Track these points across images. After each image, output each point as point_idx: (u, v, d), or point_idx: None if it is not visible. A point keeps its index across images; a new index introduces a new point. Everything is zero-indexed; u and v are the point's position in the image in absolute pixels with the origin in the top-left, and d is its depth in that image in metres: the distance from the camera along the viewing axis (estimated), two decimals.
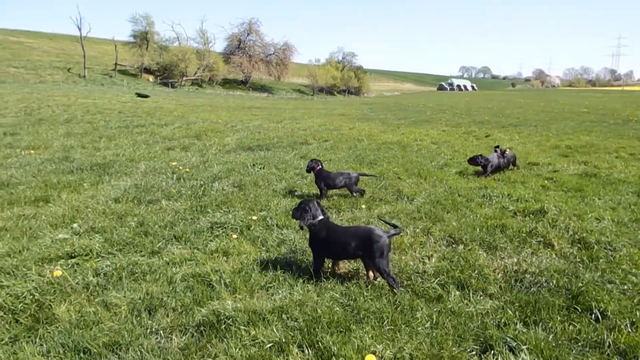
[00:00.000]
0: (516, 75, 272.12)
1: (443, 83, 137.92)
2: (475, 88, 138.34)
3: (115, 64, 57.19)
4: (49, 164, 8.19)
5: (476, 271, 4.05)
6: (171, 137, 12.20)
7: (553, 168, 8.86)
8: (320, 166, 6.47)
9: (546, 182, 7.60)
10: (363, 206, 5.97)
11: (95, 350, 2.86)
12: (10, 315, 3.23)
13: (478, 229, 5.14)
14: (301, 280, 3.86)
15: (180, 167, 8.12)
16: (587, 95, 69.07)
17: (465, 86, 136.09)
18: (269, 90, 69.74)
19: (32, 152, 9.48)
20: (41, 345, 2.93)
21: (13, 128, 12.57)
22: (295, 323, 3.19)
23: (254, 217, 5.43)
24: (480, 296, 3.68)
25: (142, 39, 60.34)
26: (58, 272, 3.76)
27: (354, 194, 6.49)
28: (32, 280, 3.66)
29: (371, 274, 3.93)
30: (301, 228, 4.13)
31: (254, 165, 8.53)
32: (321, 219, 4.05)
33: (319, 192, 6.43)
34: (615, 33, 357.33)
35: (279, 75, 73.17)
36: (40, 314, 3.25)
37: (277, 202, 6.15)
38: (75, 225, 4.96)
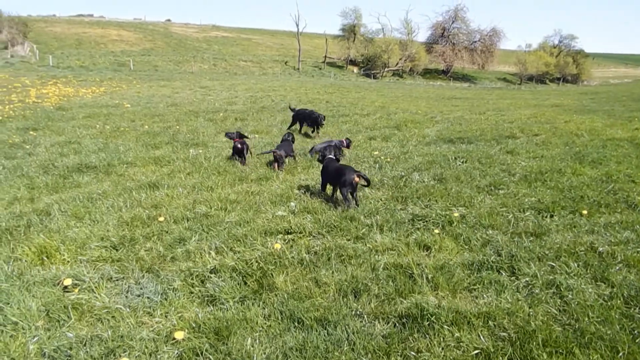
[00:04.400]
0: None
1: None
2: None
3: (325, 56, 62.06)
4: (269, 147, 9.30)
5: None
6: (373, 126, 12.60)
7: None
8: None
9: None
10: (584, 212, 5.18)
11: (307, 322, 3.13)
12: (240, 278, 3.78)
13: None
14: (510, 287, 3.56)
15: (382, 157, 8.32)
16: None
17: None
18: (470, 80, 66.58)
19: (257, 135, 10.91)
20: (263, 308, 3.35)
21: (242, 114, 14.66)
22: (505, 333, 2.94)
23: (456, 214, 5.22)
24: None
25: (350, 31, 63.88)
26: (278, 245, 4.25)
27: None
28: (258, 250, 4.22)
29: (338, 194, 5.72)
30: (319, 160, 6.48)
31: (455, 158, 8.20)
32: (329, 157, 6.21)
33: None
34: None
35: (483, 63, 69.16)
36: (263, 280, 3.71)
37: (481, 199, 5.79)
38: (292, 204, 5.52)
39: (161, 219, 5.04)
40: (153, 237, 4.57)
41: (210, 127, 12.00)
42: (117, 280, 3.77)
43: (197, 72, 44.11)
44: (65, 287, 3.57)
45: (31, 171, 7.24)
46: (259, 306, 3.35)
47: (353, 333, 2.97)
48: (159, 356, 2.79)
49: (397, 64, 62.79)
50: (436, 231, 4.69)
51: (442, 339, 2.91)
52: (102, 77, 30.90)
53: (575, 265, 3.91)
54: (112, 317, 3.22)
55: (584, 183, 6.38)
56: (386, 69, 61.78)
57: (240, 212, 5.29)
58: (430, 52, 66.63)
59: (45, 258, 4.07)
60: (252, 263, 3.93)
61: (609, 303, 3.31)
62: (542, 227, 4.81)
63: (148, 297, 3.46)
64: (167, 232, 4.71)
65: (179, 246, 4.38)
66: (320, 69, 59.12)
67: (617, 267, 3.86)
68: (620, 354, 2.72)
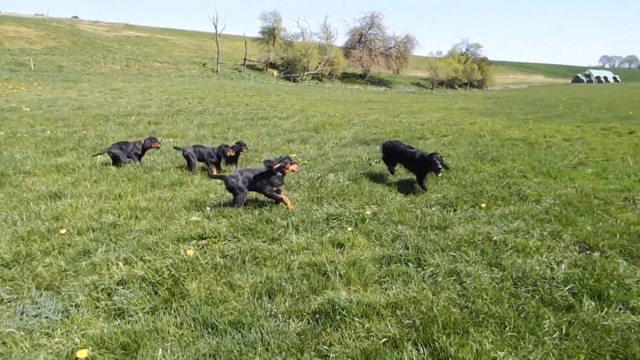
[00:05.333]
0: None
1: (579, 75, 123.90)
2: (619, 80, 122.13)
3: (244, 59, 61.39)
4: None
5: (615, 281, 3.61)
6: (291, 129, 12.72)
7: None
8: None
9: None
10: (483, 205, 5.64)
11: (221, 326, 3.11)
12: (150, 287, 3.65)
13: (618, 236, 4.59)
14: (416, 278, 3.79)
15: (300, 159, 8.43)
16: None
17: (605, 77, 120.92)
18: (386, 84, 69.29)
19: (171, 139, 10.57)
20: (175, 317, 3.27)
21: (156, 118, 14.10)
22: (410, 320, 3.14)
23: (368, 212, 5.45)
24: (620, 309, 3.27)
25: (270, 35, 63.78)
26: (191, 252, 4.16)
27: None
28: (169, 257, 4.10)
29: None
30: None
31: (369, 159, 8.53)
32: (246, 169, 5.75)
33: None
34: None
35: (398, 68, 72.26)
36: (175, 288, 3.62)
37: (392, 197, 6.09)
38: (207, 208, 5.43)
39: (63, 231, 4.71)
40: (53, 252, 4.26)
41: (121, 131, 11.44)
42: (9, 301, 3.45)
43: (107, 74, 41.62)
44: None
45: None
46: (170, 315, 3.26)
47: (267, 333, 3.00)
48: None
49: (316, 67, 63.71)
50: (349, 229, 4.86)
51: (353, 331, 3.04)
52: None
53: (474, 253, 4.26)
54: (3, 342, 2.95)
55: (484, 179, 6.93)
56: (306, 73, 62.45)
57: (152, 220, 5.11)
58: (348, 57, 68.38)
59: None
60: (163, 271, 3.81)
61: (500, 285, 3.65)
62: (446, 220, 5.17)
63: (46, 317, 3.21)
64: (69, 244, 4.42)
65: (83, 259, 4.12)
66: (239, 71, 58.37)
67: (508, 253, 4.26)
68: (507, 328, 3.01)
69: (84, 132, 11.00)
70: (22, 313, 3.27)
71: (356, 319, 3.16)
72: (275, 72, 62.27)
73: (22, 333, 3.06)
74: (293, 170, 5.78)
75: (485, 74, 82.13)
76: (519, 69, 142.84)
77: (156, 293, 3.57)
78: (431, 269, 3.97)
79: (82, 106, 16.30)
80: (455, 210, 5.56)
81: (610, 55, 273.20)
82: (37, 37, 54.00)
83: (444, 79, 74.52)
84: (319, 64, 63.93)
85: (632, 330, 3.00)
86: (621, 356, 2.76)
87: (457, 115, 18.32)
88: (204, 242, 4.51)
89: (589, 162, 8.42)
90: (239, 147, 7.79)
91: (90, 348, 2.87)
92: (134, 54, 56.07)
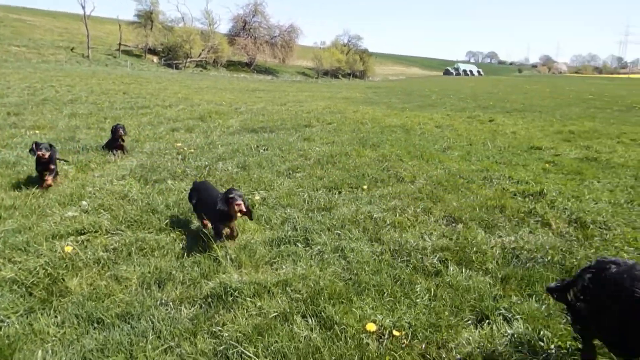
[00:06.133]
0: (523, 61, 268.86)
1: (449, 68, 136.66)
2: (482, 73, 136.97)
3: (120, 44, 56.95)
4: (55, 144, 8.27)
5: (475, 248, 4.17)
6: (175, 118, 12.26)
7: (555, 152, 8.92)
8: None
9: (547, 165, 7.68)
10: (365, 187, 6.07)
11: (108, 320, 3.01)
12: (24, 289, 3.35)
13: (478, 209, 5.25)
14: (304, 256, 4.00)
15: (185, 148, 8.22)
16: (593, 82, 68.60)
17: (471, 71, 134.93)
18: (273, 73, 69.43)
19: (38, 132, 9.56)
20: (55, 316, 3.06)
21: (17, 108, 12.58)
22: (299, 295, 3.33)
23: (257, 197, 5.56)
24: (478, 271, 3.80)
25: (147, 18, 59.71)
26: (69, 248, 3.90)
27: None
28: (44, 256, 3.79)
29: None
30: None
31: (257, 147, 8.61)
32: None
33: None
34: (623, 21, 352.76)
35: (283, 57, 72.80)
36: (53, 287, 3.38)
37: (281, 182, 6.26)
38: (84, 202, 5.09)
39: None
40: None
41: None
42: None
43: None
44: None
45: None
46: (49, 315, 3.04)
47: (159, 321, 2.97)
48: None
49: (199, 54, 61.50)
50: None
51: (245, 310, 3.14)
52: None
53: (357, 231, 4.59)
54: None
55: (366, 163, 7.42)
56: (189, 60, 59.98)
57: (20, 218, 4.64)
58: (232, 44, 67.12)
59: None
60: (37, 271, 3.51)
61: (379, 257, 4.01)
62: (332, 202, 5.47)
63: None
64: None
65: None
66: (115, 57, 54.01)
67: (387, 229, 4.67)
68: (386, 294, 3.35)
69: None
70: None
71: (248, 298, 3.27)
72: (155, 59, 58.82)
73: None
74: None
75: (367, 64, 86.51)
76: (398, 61, 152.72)
77: (31, 295, 3.29)
78: (318, 247, 4.20)
79: None
80: (340, 193, 5.91)
81: (474, 51, 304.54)
82: None
83: (328, 69, 76.82)
84: (203, 50, 61.84)
85: (486, 288, 3.51)
86: (477, 309, 3.23)
87: (341, 104, 19.13)
88: (83, 237, 4.24)
89: (456, 146, 9.42)
90: (116, 130, 7.52)
91: None
92: None
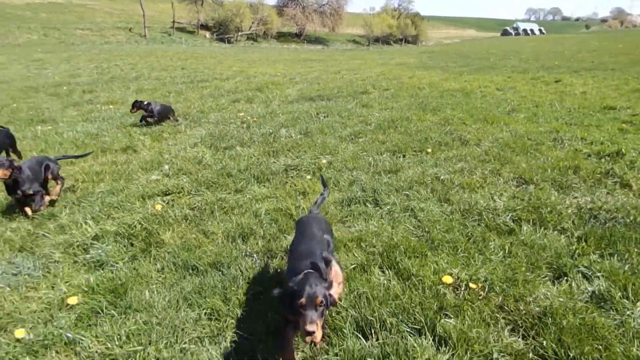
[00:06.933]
0: (591, 16, 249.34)
1: (507, 28, 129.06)
2: (544, 32, 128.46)
3: (173, 21, 58.28)
4: (128, 117, 8.80)
5: (549, 208, 4.12)
6: (234, 90, 12.59)
7: (632, 112, 8.39)
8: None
9: (624, 125, 7.27)
10: (429, 150, 6.07)
11: (201, 267, 3.31)
12: (125, 240, 3.77)
13: (549, 170, 5.13)
14: (375, 215, 4.13)
15: (248, 117, 8.48)
16: None
17: (532, 30, 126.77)
18: (323, 42, 68.82)
19: (112, 106, 10.19)
20: (155, 264, 3.42)
21: (89, 86, 13.40)
22: (374, 249, 3.47)
23: (324, 161, 5.70)
24: (553, 230, 3.77)
25: None
26: (159, 206, 4.26)
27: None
28: (139, 213, 4.20)
29: None
30: None
31: (317, 114, 8.73)
32: None
33: None
34: None
35: (333, 26, 71.85)
36: (150, 239, 3.75)
37: (345, 146, 6.37)
38: (165, 167, 5.46)
39: None
40: (18, 217, 4.21)
41: (55, 102, 10.83)
42: None
43: (25, 44, 38.26)
44: None
45: None
46: (150, 262, 3.41)
47: (246, 269, 3.24)
48: (55, 322, 2.73)
49: (250, 27, 61.90)
50: (308, 177, 5.11)
51: None
52: None
53: (425, 192, 4.64)
54: None
55: (428, 127, 7.36)
56: (240, 33, 60.55)
57: (111, 182, 5.09)
58: (281, 15, 66.95)
59: None
60: (135, 225, 3.92)
61: (450, 217, 4.06)
62: (397, 165, 5.53)
63: (27, 274, 3.27)
64: None
65: (49, 222, 4.12)
66: (169, 35, 55.50)
67: (455, 190, 4.69)
68: (459, 250, 3.43)
69: (14, 105, 10.31)
70: (1, 273, 3.28)
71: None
72: (207, 34, 59.82)
73: (8, 289, 3.10)
74: None
75: (419, 29, 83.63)
76: (451, 23, 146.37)
77: (132, 245, 3.69)
78: (388, 207, 4.31)
79: (5, 80, 15.07)
80: (404, 156, 5.94)
81: (535, 8, 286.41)
82: None
83: (379, 36, 75.11)
84: (252, 23, 62.12)
85: (563, 247, 3.49)
86: (554, 266, 3.24)
87: (395, 70, 18.79)
88: (169, 197, 4.61)
89: (521, 108, 9.09)
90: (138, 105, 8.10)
91: (79, 295, 2.98)
92: (51, 22, 51.58)
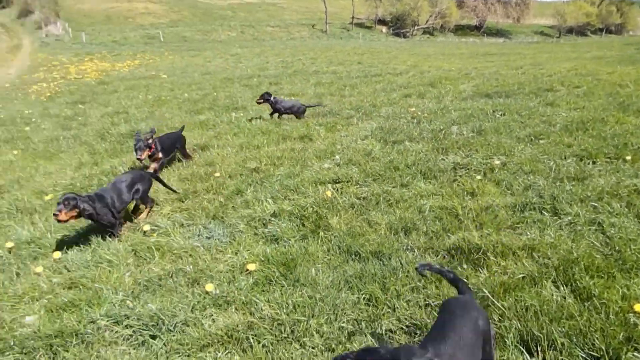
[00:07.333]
0: None
1: None
2: None
3: (352, 17, 60.73)
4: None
5: None
6: (407, 85, 12.58)
7: None
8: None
9: None
10: (628, 157, 5.23)
11: (363, 254, 3.47)
12: (298, 220, 4.16)
13: None
14: (552, 225, 3.75)
15: (419, 113, 8.41)
16: None
17: None
18: (505, 35, 64.08)
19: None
20: (322, 245, 3.70)
21: (275, 79, 14.88)
22: (548, 261, 3.17)
23: (497, 162, 5.36)
24: None
25: None
26: (329, 193, 4.56)
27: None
28: (311, 197, 4.57)
29: None
30: None
31: (493, 111, 8.21)
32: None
33: None
34: None
35: (518, 16, 66.41)
36: (319, 222, 4.06)
37: (522, 148, 5.88)
38: (336, 157, 5.80)
39: (217, 174, 5.43)
40: (212, 190, 4.99)
41: (247, 92, 12.29)
42: (188, 226, 4.22)
43: (225, 41, 44.18)
44: (144, 232, 4.02)
45: (90, 139, 7.77)
46: (317, 243, 3.71)
47: (406, 263, 3.27)
48: (236, 283, 3.19)
49: (427, 21, 60.84)
50: (478, 177, 4.87)
51: (487, 268, 3.17)
52: (134, 50, 31.51)
53: (618, 205, 4.03)
54: (190, 255, 3.65)
55: (628, 131, 6.34)
56: (416, 28, 60.01)
57: (289, 167, 5.61)
58: (461, 7, 64.19)
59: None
60: (307, 208, 4.29)
61: None
62: (584, 172, 4.90)
63: (217, 239, 3.88)
64: (224, 185, 5.11)
65: (237, 197, 4.78)
66: (348, 30, 58.00)
67: None
68: None
69: (215, 93, 12.05)
70: (198, 235, 3.97)
71: (491, 257, 3.28)
72: (384, 29, 60.75)
73: (202, 249, 3.73)
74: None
75: (626, 16, 71.60)
76: None
77: (303, 225, 4.06)
78: (569, 217, 3.87)
79: (209, 71, 17.71)
80: (594, 162, 5.23)
81: None
82: (162, 12, 58.72)
83: (573, 26, 66.69)
84: (430, 17, 60.91)
85: None
86: None
87: (590, 65, 16.50)
88: (338, 185, 4.90)
89: None
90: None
91: (257, 263, 3.43)
92: (247, 21, 58.44)
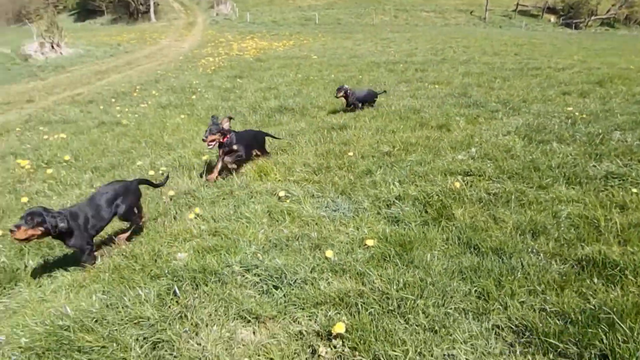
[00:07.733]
0: None
1: None
2: None
3: (517, 4, 55.99)
4: (449, 98, 9.26)
5: None
6: (568, 82, 11.40)
7: None
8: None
9: None
10: None
11: (483, 249, 3.41)
12: (421, 206, 4.22)
13: None
14: None
15: (577, 113, 7.64)
16: None
17: None
18: None
19: (437, 86, 10.89)
20: (442, 233, 3.73)
21: (422, 65, 14.63)
22: None
23: None
24: None
25: None
26: (457, 184, 4.51)
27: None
28: (438, 185, 4.57)
29: None
30: None
31: None
32: None
33: None
34: None
35: None
36: (443, 211, 4.06)
37: None
38: (472, 149, 5.64)
39: (350, 154, 5.70)
40: (344, 168, 5.28)
41: (391, 77, 12.37)
42: (317, 197, 4.58)
43: (378, 25, 44.32)
44: (279, 197, 4.47)
45: (243, 110, 8.68)
46: (437, 231, 3.74)
47: (527, 265, 3.14)
48: (354, 255, 3.42)
49: (608, 10, 53.28)
50: (634, 190, 4.34)
51: (621, 286, 2.90)
52: (291, 31, 33.59)
53: None
54: (316, 223, 3.98)
55: None
56: (593, 18, 53.05)
57: (421, 154, 5.64)
58: None
59: (263, 175, 5.10)
60: (432, 195, 4.32)
61: None
62: None
63: (342, 213, 4.15)
64: (355, 164, 5.35)
65: (366, 177, 4.99)
66: (510, 18, 53.67)
67: None
68: None
69: (360, 76, 12.36)
70: (326, 207, 4.31)
71: (630, 276, 2.98)
72: (552, 18, 54.91)
73: (328, 219, 4.04)
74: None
75: None
76: None
77: (426, 212, 4.11)
78: None
79: (357, 54, 18.13)
80: None
81: None
82: None
83: None
84: (613, 5, 53.22)
85: None
86: None
87: None
88: (469, 178, 4.79)
89: None
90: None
91: (375, 240, 3.60)
92: (401, 4, 57.56)
